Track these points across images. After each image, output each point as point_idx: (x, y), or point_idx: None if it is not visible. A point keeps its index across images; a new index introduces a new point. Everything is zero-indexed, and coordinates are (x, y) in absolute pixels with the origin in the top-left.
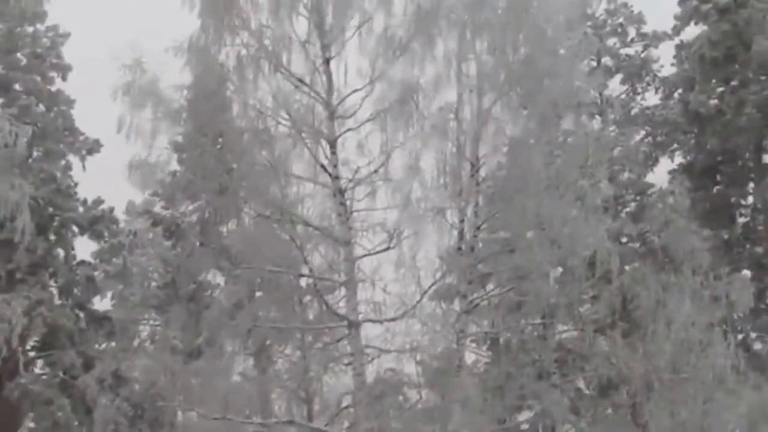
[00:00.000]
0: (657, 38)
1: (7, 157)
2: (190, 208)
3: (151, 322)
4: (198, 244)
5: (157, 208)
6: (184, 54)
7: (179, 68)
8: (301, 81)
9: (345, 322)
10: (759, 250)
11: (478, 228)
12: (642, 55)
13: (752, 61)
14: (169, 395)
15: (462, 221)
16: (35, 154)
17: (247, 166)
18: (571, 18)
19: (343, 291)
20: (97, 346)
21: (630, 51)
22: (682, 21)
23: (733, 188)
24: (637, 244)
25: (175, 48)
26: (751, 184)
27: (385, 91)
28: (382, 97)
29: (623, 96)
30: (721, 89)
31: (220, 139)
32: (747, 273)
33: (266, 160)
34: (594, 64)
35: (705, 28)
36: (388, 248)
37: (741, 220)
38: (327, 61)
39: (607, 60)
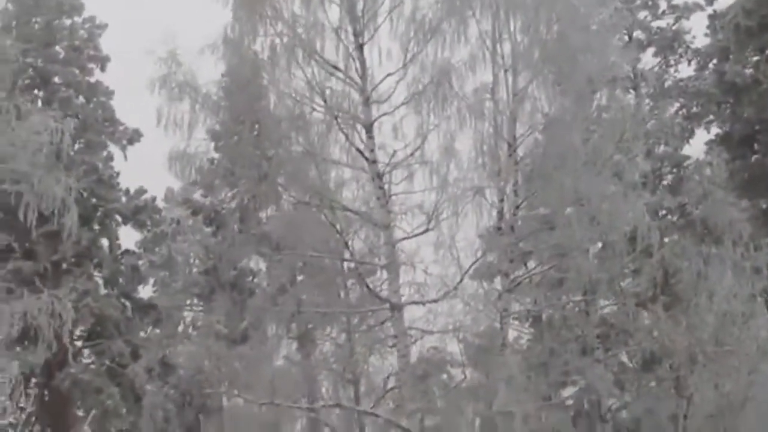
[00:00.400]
0: (688, 9)
1: (53, 153)
2: (229, 195)
3: (194, 308)
4: (238, 230)
5: (197, 196)
6: (218, 50)
7: (214, 62)
8: (335, 67)
9: (388, 305)
10: None
11: (518, 207)
12: (673, 27)
13: None
14: (216, 381)
15: (501, 200)
16: (77, 145)
17: (285, 152)
18: None
19: (384, 274)
20: (142, 333)
21: (661, 23)
22: None
23: None
24: (676, 217)
25: (210, 45)
26: None
27: (418, 74)
28: (416, 80)
29: (656, 69)
30: (756, 58)
31: (256, 127)
32: None
33: (303, 146)
34: (626, 38)
35: None
36: (427, 230)
37: None
38: (360, 47)
39: (638, 33)
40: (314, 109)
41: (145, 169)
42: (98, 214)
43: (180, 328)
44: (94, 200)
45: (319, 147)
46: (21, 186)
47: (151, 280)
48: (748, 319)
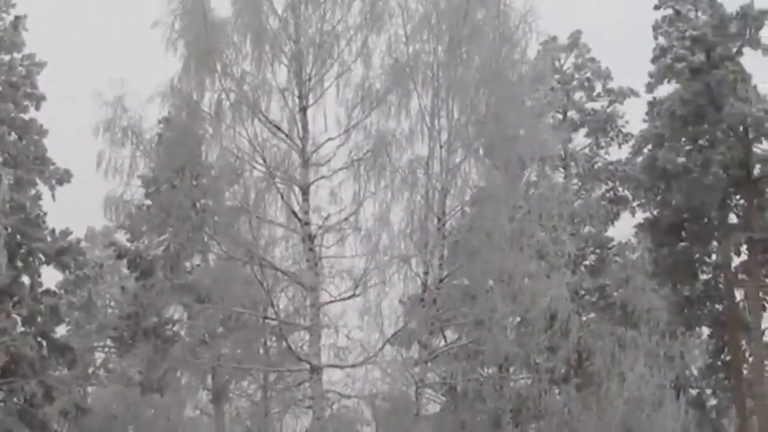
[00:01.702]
0: (623, 94)
1: None
2: (156, 241)
3: (107, 351)
4: (162, 277)
5: (121, 239)
6: (167, 98)
7: (159, 109)
8: (278, 128)
9: (308, 366)
10: (719, 307)
11: (441, 281)
12: (607, 110)
13: (722, 121)
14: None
15: (426, 273)
16: (5, 182)
17: (218, 205)
18: (539, 72)
19: (307, 335)
20: (53, 372)
21: (596, 105)
22: (656, 78)
23: (697, 246)
24: (595, 298)
25: (160, 93)
26: (715, 243)
27: (359, 141)
28: (357, 147)
29: (587, 150)
30: (689, 147)
31: (191, 176)
32: (705, 330)
33: (239, 202)
34: (560, 116)
35: (678, 86)
36: (353, 295)
37: (703, 277)
38: (304, 110)
39: (573, 114)
40: (254, 167)
41: (71, 209)
42: (21, 251)
43: (90, 370)
44: (18, 238)
45: (254, 204)
46: None
47: (66, 320)
48: (657, 407)
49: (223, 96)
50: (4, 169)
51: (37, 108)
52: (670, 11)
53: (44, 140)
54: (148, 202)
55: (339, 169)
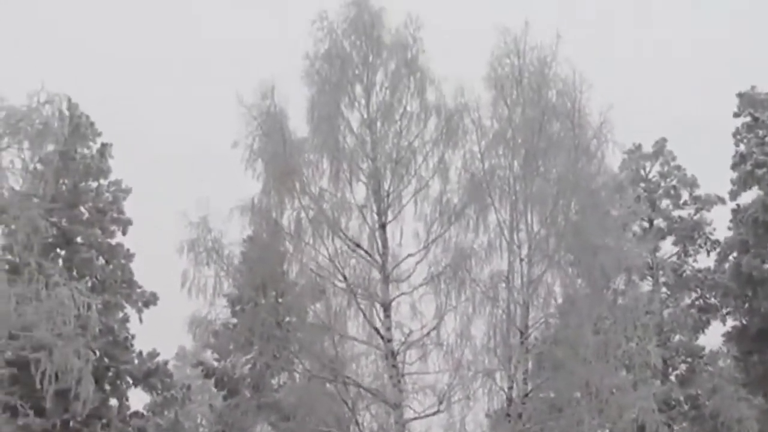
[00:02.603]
0: (710, 202)
1: (79, 325)
2: (243, 360)
3: None
4: (249, 396)
5: (209, 358)
6: (247, 213)
7: (240, 227)
8: (357, 245)
9: None
10: None
11: (527, 394)
12: (695, 218)
13: None
14: None
15: (510, 387)
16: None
17: (301, 323)
18: (619, 181)
19: None
20: None
21: (683, 213)
22: (739, 186)
23: None
24: (687, 407)
25: (240, 207)
26: None
27: (439, 255)
28: (436, 261)
29: (674, 258)
30: None
31: (274, 295)
32: None
33: (321, 319)
34: (646, 224)
35: (760, 192)
36: (438, 411)
37: None
38: (383, 226)
39: (659, 222)
40: (335, 285)
41: (159, 328)
42: (110, 374)
43: None
44: (106, 360)
45: (336, 322)
46: (40, 354)
47: None
48: None
49: (303, 214)
50: (93, 294)
51: (124, 233)
52: (748, 118)
53: (131, 264)
54: (234, 320)
55: (419, 285)
